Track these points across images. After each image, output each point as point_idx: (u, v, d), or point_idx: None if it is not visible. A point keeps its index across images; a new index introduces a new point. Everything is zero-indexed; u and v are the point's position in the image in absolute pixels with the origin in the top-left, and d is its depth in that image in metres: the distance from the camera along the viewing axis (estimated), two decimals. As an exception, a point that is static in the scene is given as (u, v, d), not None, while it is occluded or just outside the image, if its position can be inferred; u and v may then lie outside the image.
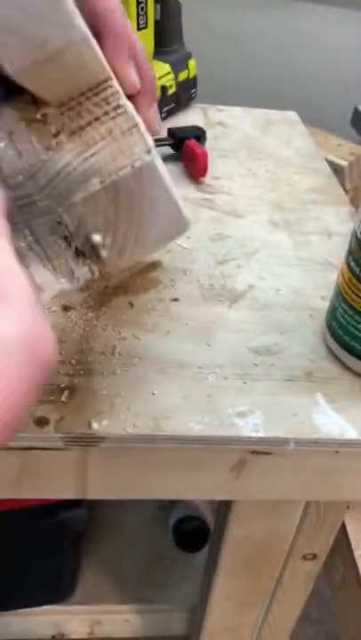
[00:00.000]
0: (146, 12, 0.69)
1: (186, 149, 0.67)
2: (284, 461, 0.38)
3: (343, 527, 0.62)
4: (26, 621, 0.79)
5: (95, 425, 0.35)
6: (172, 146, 0.69)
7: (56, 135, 0.24)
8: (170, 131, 0.69)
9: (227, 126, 0.79)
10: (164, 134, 0.70)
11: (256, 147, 0.74)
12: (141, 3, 0.67)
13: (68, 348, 0.40)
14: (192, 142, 0.67)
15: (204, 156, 0.64)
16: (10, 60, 0.22)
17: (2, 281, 0.20)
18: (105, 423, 0.35)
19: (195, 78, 0.84)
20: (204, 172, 0.64)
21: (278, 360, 0.42)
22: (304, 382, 0.40)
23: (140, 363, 0.40)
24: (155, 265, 0.50)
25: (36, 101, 0.24)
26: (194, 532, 0.84)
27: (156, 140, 0.70)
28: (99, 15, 0.29)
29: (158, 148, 0.67)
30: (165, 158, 0.69)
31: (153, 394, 0.38)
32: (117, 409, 0.36)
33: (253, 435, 0.36)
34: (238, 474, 0.38)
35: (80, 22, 0.23)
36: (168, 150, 0.69)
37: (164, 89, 0.76)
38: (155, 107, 0.34)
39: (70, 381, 0.38)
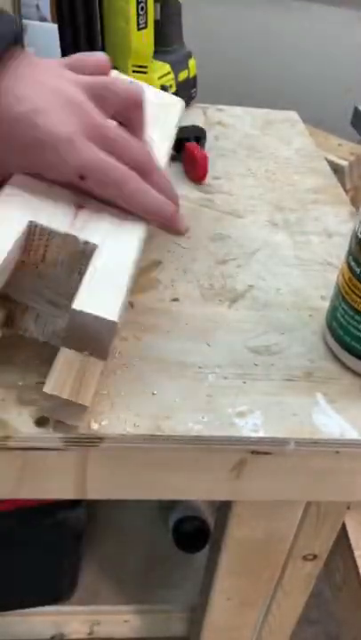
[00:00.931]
0: (146, 12, 0.69)
1: (185, 152, 0.66)
2: (284, 461, 0.38)
3: (343, 528, 0.61)
4: (26, 621, 0.79)
5: (95, 425, 0.35)
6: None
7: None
8: None
9: (227, 126, 0.79)
10: None
11: (256, 147, 0.74)
12: (141, 2, 0.67)
13: (67, 347, 0.40)
14: (192, 145, 0.66)
15: (204, 159, 0.64)
16: None
17: None
18: (105, 423, 0.35)
19: (195, 78, 0.84)
20: (203, 176, 0.64)
21: (278, 360, 0.42)
22: (304, 382, 0.40)
23: (140, 363, 0.40)
24: (155, 265, 0.50)
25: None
26: (194, 532, 0.84)
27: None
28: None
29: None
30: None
31: (153, 394, 0.38)
32: (117, 409, 0.36)
33: (253, 435, 0.36)
34: (238, 474, 0.38)
35: None
36: None
37: (164, 89, 0.76)
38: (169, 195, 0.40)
39: (70, 381, 0.38)
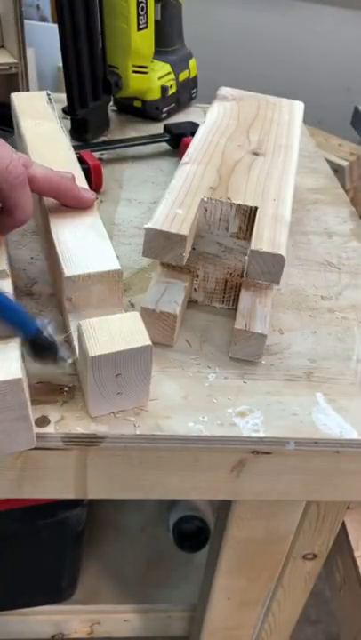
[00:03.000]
0: (146, 12, 0.69)
1: (183, 146, 0.67)
2: (284, 461, 0.38)
3: (343, 527, 0.62)
4: (26, 621, 0.80)
5: (95, 425, 0.35)
6: (168, 142, 0.70)
7: None
8: (166, 127, 0.70)
9: (227, 126, 0.79)
10: (160, 131, 0.71)
11: (256, 147, 0.74)
12: (142, 3, 0.67)
13: (68, 348, 0.40)
14: (189, 139, 0.67)
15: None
16: None
17: None
18: (105, 423, 0.35)
19: (195, 78, 0.84)
20: None
21: (278, 360, 0.42)
22: (304, 382, 0.40)
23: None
24: (155, 265, 0.50)
25: None
26: (194, 531, 0.84)
27: (153, 137, 0.71)
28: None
29: (156, 145, 0.68)
30: (162, 154, 0.70)
31: (153, 394, 0.38)
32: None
33: (253, 435, 0.36)
34: (238, 474, 0.38)
35: None
36: (165, 146, 0.70)
37: (164, 89, 0.76)
38: (74, 187, 0.42)
39: (70, 381, 0.38)
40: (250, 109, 0.58)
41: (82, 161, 0.58)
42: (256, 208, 0.41)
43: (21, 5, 0.63)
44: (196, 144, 0.51)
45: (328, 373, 0.41)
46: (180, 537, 0.85)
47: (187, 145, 0.66)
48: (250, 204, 0.42)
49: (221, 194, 0.42)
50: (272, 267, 0.39)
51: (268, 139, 0.53)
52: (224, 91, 0.62)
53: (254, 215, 0.41)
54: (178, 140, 0.69)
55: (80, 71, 0.66)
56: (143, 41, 0.71)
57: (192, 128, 0.70)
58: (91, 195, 0.43)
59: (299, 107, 0.61)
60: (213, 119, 0.55)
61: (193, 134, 0.68)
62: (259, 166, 0.48)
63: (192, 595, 0.78)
